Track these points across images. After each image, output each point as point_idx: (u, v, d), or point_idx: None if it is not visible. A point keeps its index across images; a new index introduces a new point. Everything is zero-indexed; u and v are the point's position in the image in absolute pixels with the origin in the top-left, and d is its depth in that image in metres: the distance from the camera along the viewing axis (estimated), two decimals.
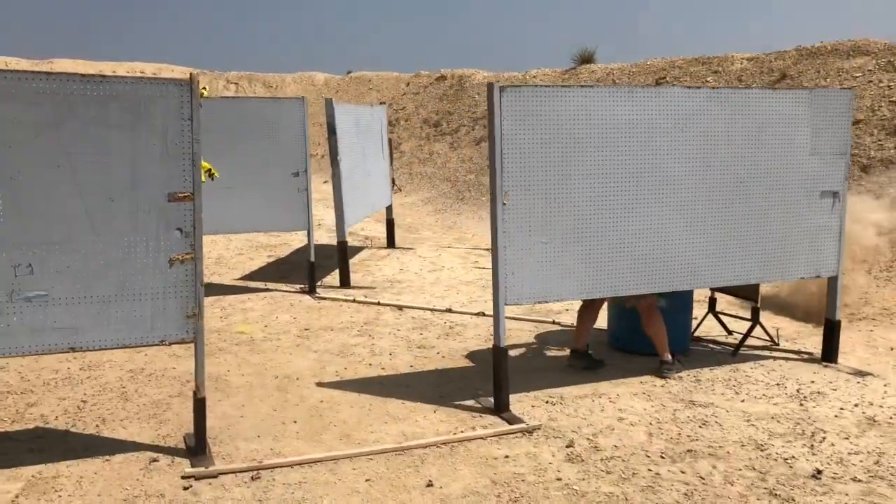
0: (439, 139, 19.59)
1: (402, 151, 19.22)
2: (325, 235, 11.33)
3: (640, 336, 5.71)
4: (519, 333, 6.40)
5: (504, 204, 4.52)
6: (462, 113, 20.12)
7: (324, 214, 12.96)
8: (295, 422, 4.59)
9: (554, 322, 6.70)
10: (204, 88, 6.40)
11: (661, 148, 4.86)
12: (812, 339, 6.20)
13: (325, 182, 18.27)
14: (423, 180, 17.19)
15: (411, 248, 10.46)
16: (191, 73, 3.94)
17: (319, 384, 5.23)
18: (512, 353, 5.77)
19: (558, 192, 4.64)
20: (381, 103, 10.33)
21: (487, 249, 10.37)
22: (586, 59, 18.83)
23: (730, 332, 6.30)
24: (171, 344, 3.97)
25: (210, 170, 6.48)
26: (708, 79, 14.13)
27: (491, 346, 6.00)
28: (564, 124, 4.61)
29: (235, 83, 29.69)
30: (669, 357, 5.34)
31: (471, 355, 5.86)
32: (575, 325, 5.70)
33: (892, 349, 5.93)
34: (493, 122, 4.45)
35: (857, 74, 11.19)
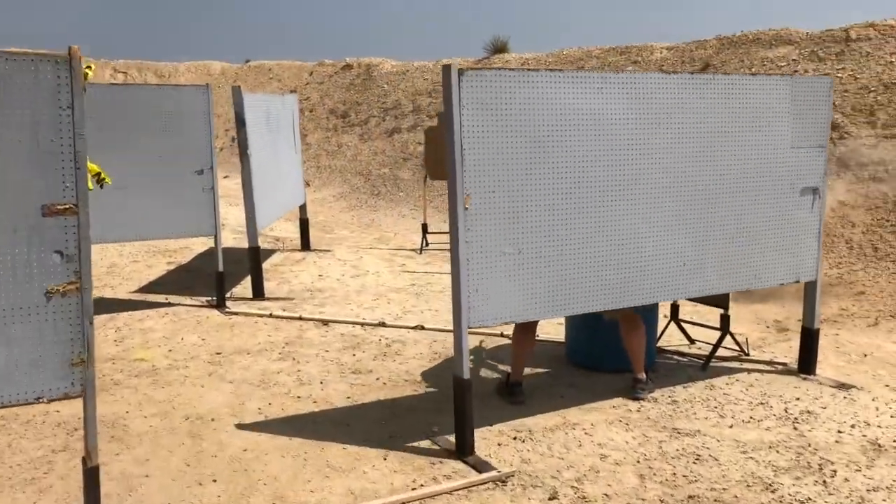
0: (348, 131, 18.66)
1: (309, 143, 18.20)
2: (230, 237, 10.30)
3: (605, 350, 5.11)
4: None
5: (466, 209, 3.78)
6: (371, 103, 19.24)
7: (227, 213, 11.88)
8: (214, 480, 3.73)
9: (502, 335, 6.02)
10: (89, 67, 5.36)
11: (636, 142, 4.23)
12: (779, 347, 5.75)
13: (226, 177, 17.06)
14: (332, 174, 16.26)
15: (329, 251, 9.60)
16: (70, 48, 3.02)
17: (240, 426, 4.37)
18: None
19: (526, 193, 3.93)
20: (290, 92, 9.44)
21: (413, 250, 9.64)
22: (499, 48, 18.30)
23: (692, 342, 5.78)
24: (50, 401, 3.06)
25: (100, 174, 5.26)
26: (628, 69, 13.78)
27: (436, 364, 5.29)
28: (532, 115, 3.91)
29: (123, 72, 27.75)
30: (643, 375, 4.74)
31: (416, 380, 5.11)
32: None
33: (864, 356, 5.54)
34: (450, 111, 3.71)
35: (783, 64, 11.00)
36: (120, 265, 8.76)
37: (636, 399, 4.66)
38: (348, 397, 4.80)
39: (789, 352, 5.57)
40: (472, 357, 5.53)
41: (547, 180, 3.98)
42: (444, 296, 7.32)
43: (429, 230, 9.79)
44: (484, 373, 5.26)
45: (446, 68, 3.71)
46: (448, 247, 9.94)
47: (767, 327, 6.28)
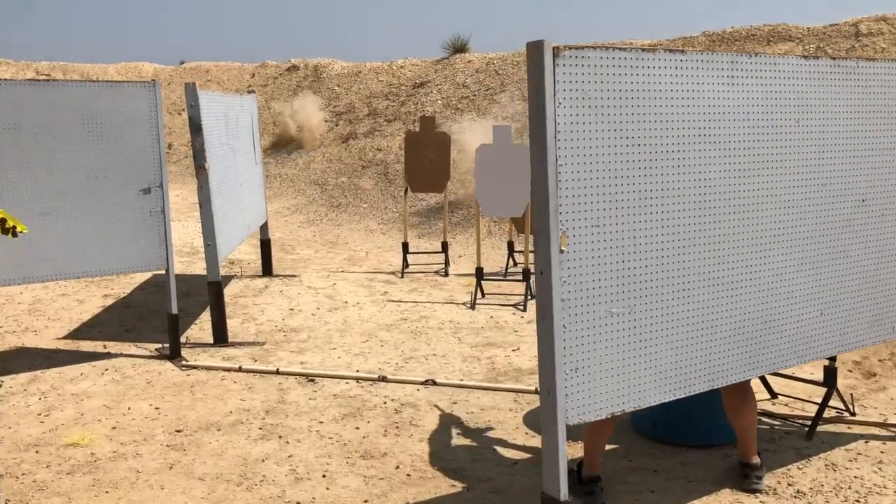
0: (298, 137, 17.24)
1: None
2: (174, 260, 8.87)
3: (690, 419, 3.98)
4: (488, 412, 4.48)
5: (562, 251, 2.58)
6: (322, 107, 17.86)
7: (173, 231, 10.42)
8: None
9: (537, 391, 4.83)
10: None
11: (776, 150, 3.10)
12: (878, 399, 4.71)
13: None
14: (284, 184, 14.84)
15: (294, 276, 8.27)
16: None
17: None
18: (497, 447, 3.86)
19: (641, 226, 2.76)
20: (248, 91, 8.12)
21: (392, 273, 8.39)
22: (460, 48, 17.13)
23: (774, 396, 4.69)
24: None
25: (4, 221, 3.52)
26: None
27: (470, 443, 3.88)
28: (650, 114, 2.73)
29: (46, 75, 25.67)
30: (758, 460, 3.61)
31: (449, 467, 3.88)
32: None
33: None
34: (539, 109, 2.50)
35: None
36: (45, 300, 7.28)
37: (754, 492, 3.53)
38: (366, 502, 3.54)
39: (891, 405, 4.54)
40: (521, 428, 4.32)
41: (669, 207, 2.81)
42: (444, 333, 6.10)
43: (410, 250, 8.55)
44: (525, 449, 4.06)
45: (535, 46, 2.50)
46: (435, 270, 8.81)
47: (849, 371, 5.24)
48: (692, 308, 2.92)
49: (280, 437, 4.23)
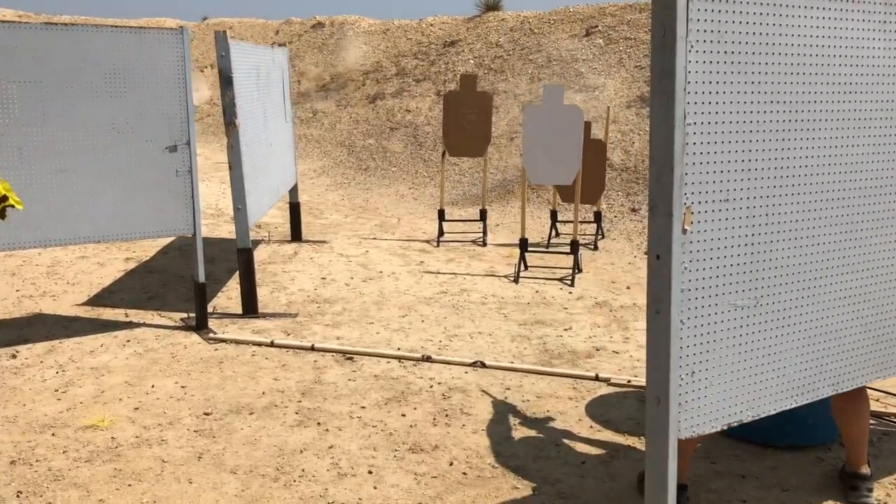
0: (323, 96, 16.74)
1: None
2: (204, 222, 8.46)
3: (781, 418, 3.52)
4: (545, 401, 4.05)
5: (685, 231, 2.11)
6: (348, 66, 17.31)
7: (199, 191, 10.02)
8: None
9: (597, 378, 4.39)
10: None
11: None
12: None
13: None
14: (309, 145, 14.36)
15: (325, 241, 7.84)
16: None
17: None
18: (561, 438, 3.43)
19: (773, 204, 2.28)
20: (279, 45, 7.62)
21: (427, 241, 7.94)
22: (492, 5, 16.47)
23: None
24: None
25: (4, 198, 2.93)
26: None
27: (530, 434, 3.51)
28: (791, 64, 2.24)
29: None
30: (868, 469, 3.16)
31: (508, 464, 3.46)
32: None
33: None
34: (665, 51, 2.02)
35: None
36: (64, 263, 6.91)
37: None
38: None
39: None
40: (583, 421, 3.89)
41: (809, 179, 2.33)
42: (487, 309, 5.67)
43: (445, 217, 8.09)
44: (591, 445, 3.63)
45: None
46: (472, 238, 8.35)
47: None
48: (825, 299, 2.46)
49: (319, 423, 3.83)
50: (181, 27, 4.90)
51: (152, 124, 4.80)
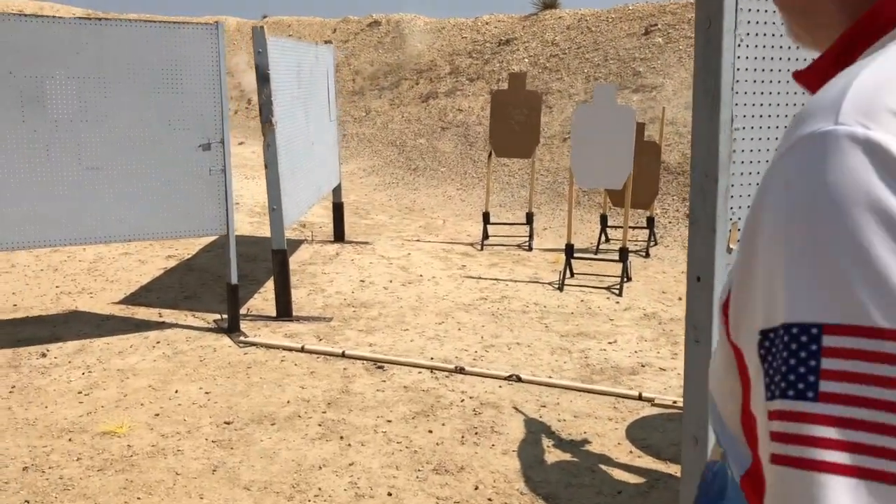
0: (377, 95, 16.67)
1: None
2: (245, 221, 8.43)
3: None
4: (583, 421, 3.80)
5: (730, 250, 1.85)
6: (401, 63, 17.22)
7: (241, 190, 10.03)
8: None
9: (640, 397, 4.11)
10: None
11: None
12: None
13: (241, 143, 15.17)
14: (360, 144, 14.29)
15: (367, 243, 7.69)
16: None
17: None
18: (608, 470, 3.17)
19: None
20: (324, 42, 7.51)
21: (470, 244, 7.73)
22: (549, 3, 16.16)
23: None
24: None
25: None
26: None
27: (563, 458, 3.24)
28: None
29: None
30: None
31: (539, 488, 3.22)
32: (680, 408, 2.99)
33: None
34: (710, 45, 1.77)
35: None
36: (106, 259, 6.90)
37: None
38: None
39: None
40: (623, 445, 3.63)
41: None
42: (528, 318, 5.43)
43: (491, 220, 7.86)
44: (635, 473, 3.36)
45: None
46: (518, 243, 8.11)
47: None
48: None
49: (341, 437, 3.65)
50: (217, 22, 4.79)
51: (186, 121, 4.70)
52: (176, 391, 4.15)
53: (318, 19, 23.94)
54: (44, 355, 4.62)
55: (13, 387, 4.17)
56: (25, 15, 4.30)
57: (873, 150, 0.52)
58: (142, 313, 5.45)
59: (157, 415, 3.87)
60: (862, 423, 0.49)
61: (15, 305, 5.56)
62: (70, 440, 3.59)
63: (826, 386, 0.51)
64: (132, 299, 5.78)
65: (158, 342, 4.87)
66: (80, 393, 4.11)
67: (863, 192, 0.50)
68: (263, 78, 5.08)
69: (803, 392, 0.53)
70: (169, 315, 5.41)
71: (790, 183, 0.55)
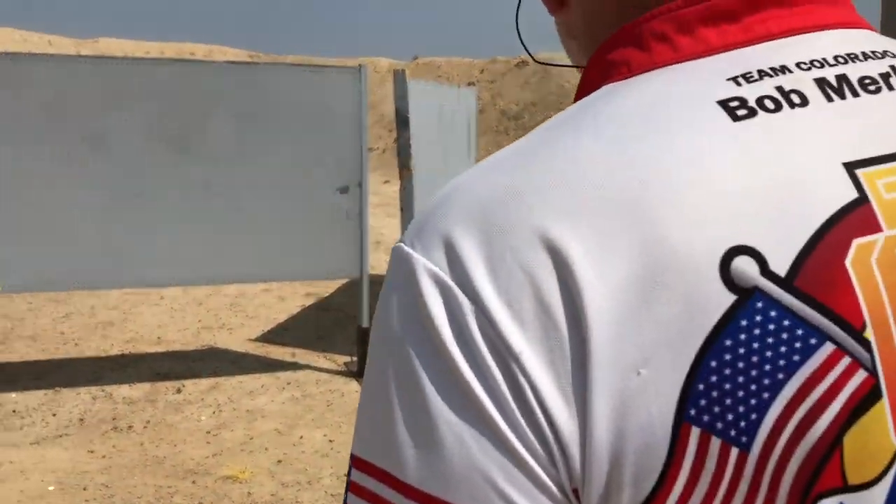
0: (521, 134, 16.58)
1: (477, 148, 16.31)
2: (383, 260, 8.45)
3: None
4: None
5: None
6: (548, 103, 17.12)
7: (383, 227, 10.12)
8: None
9: None
10: None
11: None
12: None
13: (387, 182, 15.47)
14: None
15: None
16: None
17: None
18: None
19: None
20: (468, 84, 7.51)
21: None
22: None
23: None
24: None
25: None
26: None
27: None
28: None
29: None
30: None
31: None
32: None
33: None
34: None
35: None
36: (248, 294, 7.07)
37: None
38: None
39: None
40: None
41: None
42: None
43: None
44: None
45: None
46: None
47: None
48: None
49: None
50: (360, 65, 4.80)
51: (325, 164, 4.71)
52: (301, 437, 4.09)
53: (468, 60, 24.29)
54: (179, 391, 4.71)
55: (148, 422, 4.25)
56: (188, 60, 4.47)
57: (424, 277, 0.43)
58: (275, 352, 5.49)
59: (280, 461, 3.81)
60: None
61: (159, 338, 5.76)
62: (194, 482, 3.58)
63: None
64: (268, 337, 5.86)
65: (289, 383, 4.87)
66: (208, 433, 4.13)
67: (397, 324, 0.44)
68: (403, 122, 5.04)
69: None
70: (302, 355, 5.42)
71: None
